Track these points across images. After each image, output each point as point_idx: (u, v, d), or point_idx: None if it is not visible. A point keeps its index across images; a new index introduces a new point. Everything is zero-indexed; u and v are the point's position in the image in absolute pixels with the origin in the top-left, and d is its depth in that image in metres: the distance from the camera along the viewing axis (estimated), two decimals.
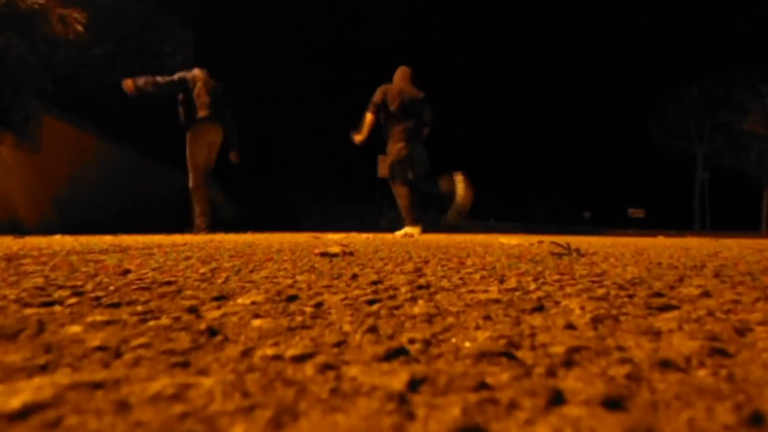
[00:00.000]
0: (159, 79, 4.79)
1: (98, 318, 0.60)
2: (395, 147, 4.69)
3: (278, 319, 0.62)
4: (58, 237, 3.32)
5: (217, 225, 5.02)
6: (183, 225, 5.29)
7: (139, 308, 0.67)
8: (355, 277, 1.07)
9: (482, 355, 0.45)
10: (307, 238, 3.40)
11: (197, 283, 0.93)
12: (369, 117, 4.64)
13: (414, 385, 0.37)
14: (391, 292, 0.84)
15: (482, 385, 0.37)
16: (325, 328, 0.57)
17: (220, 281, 0.96)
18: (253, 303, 0.72)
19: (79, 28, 6.11)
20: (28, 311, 0.64)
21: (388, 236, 4.08)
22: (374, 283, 0.96)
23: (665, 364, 0.43)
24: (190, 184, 4.89)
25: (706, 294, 0.84)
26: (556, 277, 1.10)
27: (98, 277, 1.00)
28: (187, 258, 1.52)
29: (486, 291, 0.86)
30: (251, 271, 1.15)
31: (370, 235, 4.40)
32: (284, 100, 14.15)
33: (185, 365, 0.42)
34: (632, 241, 3.92)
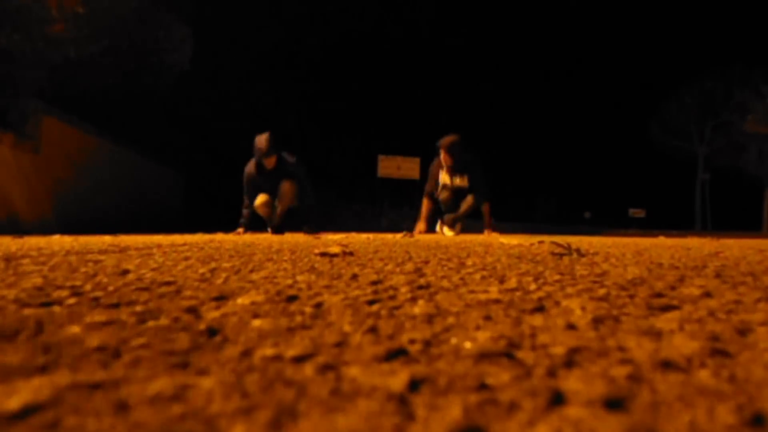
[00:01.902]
0: None
1: (97, 318, 0.60)
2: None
3: (278, 319, 0.61)
4: (57, 237, 3.33)
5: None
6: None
7: (139, 308, 0.67)
8: (355, 277, 1.07)
9: (482, 356, 0.45)
10: (307, 238, 3.40)
11: (197, 284, 0.93)
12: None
13: (414, 385, 0.37)
14: (391, 292, 0.84)
15: (483, 386, 0.37)
16: (325, 329, 0.57)
17: (219, 281, 0.96)
18: (253, 303, 0.72)
19: (79, 8, 6.03)
20: (26, 311, 0.64)
21: (388, 236, 4.08)
22: (374, 283, 0.96)
23: (666, 365, 0.43)
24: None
25: (708, 294, 0.84)
26: (557, 277, 1.09)
27: (97, 278, 1.00)
28: (187, 258, 1.51)
29: (486, 291, 0.85)
30: (251, 271, 1.15)
31: (370, 235, 4.39)
32: (284, 99, 14.13)
33: (185, 365, 0.42)
34: (633, 241, 3.92)
